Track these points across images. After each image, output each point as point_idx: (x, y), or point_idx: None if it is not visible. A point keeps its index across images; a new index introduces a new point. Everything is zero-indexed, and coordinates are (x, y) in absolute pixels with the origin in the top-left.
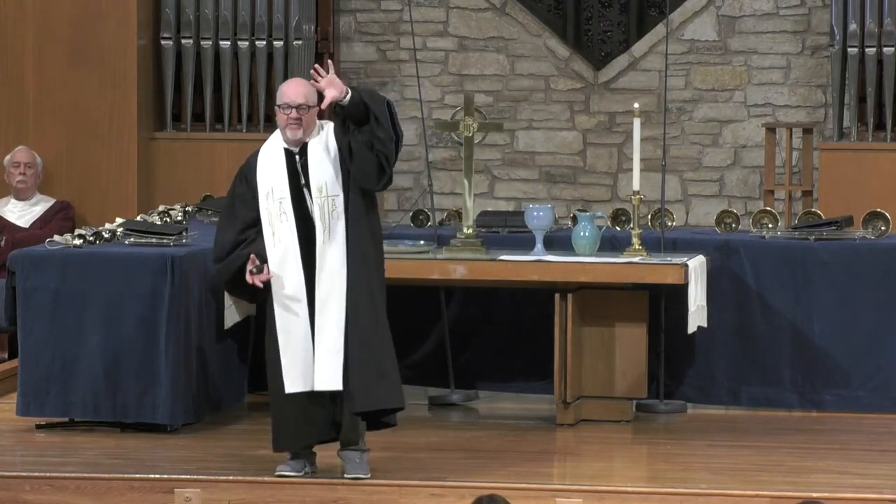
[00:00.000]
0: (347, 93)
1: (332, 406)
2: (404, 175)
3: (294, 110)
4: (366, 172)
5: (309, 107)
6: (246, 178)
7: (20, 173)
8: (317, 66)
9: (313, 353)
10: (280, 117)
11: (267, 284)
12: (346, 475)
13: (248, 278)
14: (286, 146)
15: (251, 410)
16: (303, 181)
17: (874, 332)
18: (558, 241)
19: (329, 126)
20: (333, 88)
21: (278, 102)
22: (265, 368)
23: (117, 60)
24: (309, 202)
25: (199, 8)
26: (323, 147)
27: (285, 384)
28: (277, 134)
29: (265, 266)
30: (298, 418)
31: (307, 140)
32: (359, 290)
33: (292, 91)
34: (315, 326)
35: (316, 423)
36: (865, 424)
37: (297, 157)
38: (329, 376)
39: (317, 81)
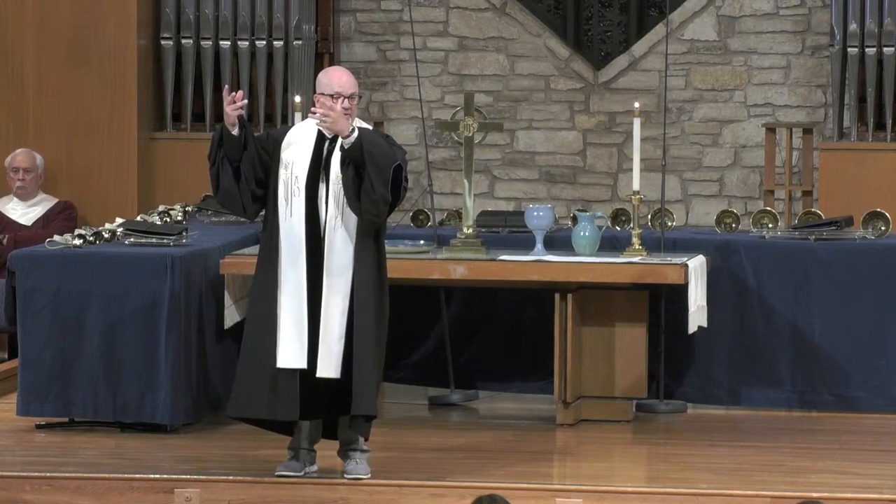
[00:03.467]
0: (352, 132)
1: (296, 385)
2: None
3: (346, 100)
4: (350, 204)
5: (359, 96)
6: (269, 135)
7: (19, 179)
8: (323, 102)
9: (308, 335)
10: (327, 106)
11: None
12: (346, 475)
13: (227, 107)
14: (321, 129)
15: None
16: (323, 164)
17: (874, 332)
18: (558, 241)
19: (359, 122)
20: (339, 124)
21: (328, 92)
22: None
23: (117, 60)
24: (323, 186)
25: (199, 8)
26: None
27: (279, 358)
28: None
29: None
30: (264, 389)
31: None
32: (365, 285)
33: (342, 80)
34: (321, 311)
35: (280, 399)
36: (865, 424)
37: (328, 140)
38: (331, 365)
39: (325, 116)
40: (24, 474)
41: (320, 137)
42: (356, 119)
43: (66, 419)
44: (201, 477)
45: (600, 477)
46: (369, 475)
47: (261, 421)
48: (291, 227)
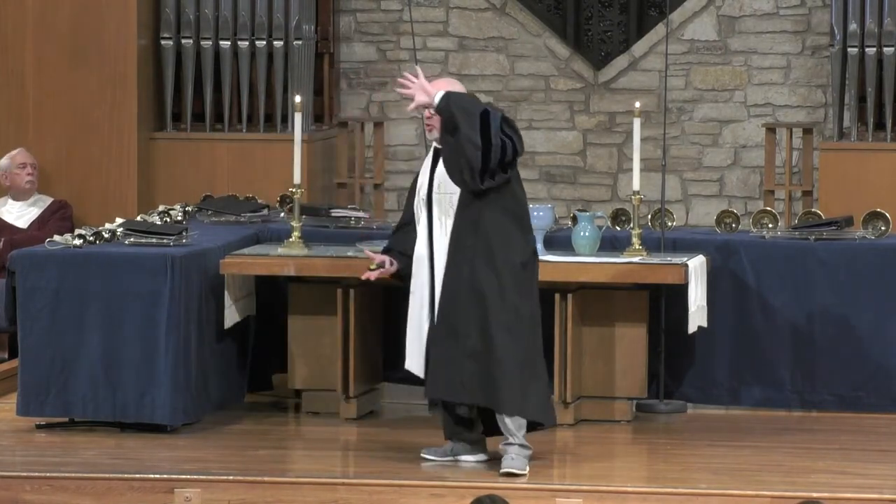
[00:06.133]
0: (435, 97)
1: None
2: (404, 175)
3: (427, 111)
4: (451, 173)
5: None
6: (416, 177)
7: (28, 174)
8: (406, 74)
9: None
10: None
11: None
12: (500, 469)
13: (363, 275)
14: (435, 149)
15: (251, 410)
16: (435, 178)
17: (874, 332)
18: (558, 241)
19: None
20: (422, 94)
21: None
22: (265, 368)
23: (117, 60)
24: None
25: (199, 8)
26: None
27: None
28: None
29: (379, 269)
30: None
31: None
32: (451, 290)
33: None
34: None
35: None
36: (865, 424)
37: (441, 154)
38: (414, 360)
39: (406, 88)
40: (24, 474)
41: (435, 157)
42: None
43: (66, 419)
44: (201, 477)
45: (600, 477)
46: (525, 472)
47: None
48: (420, 243)
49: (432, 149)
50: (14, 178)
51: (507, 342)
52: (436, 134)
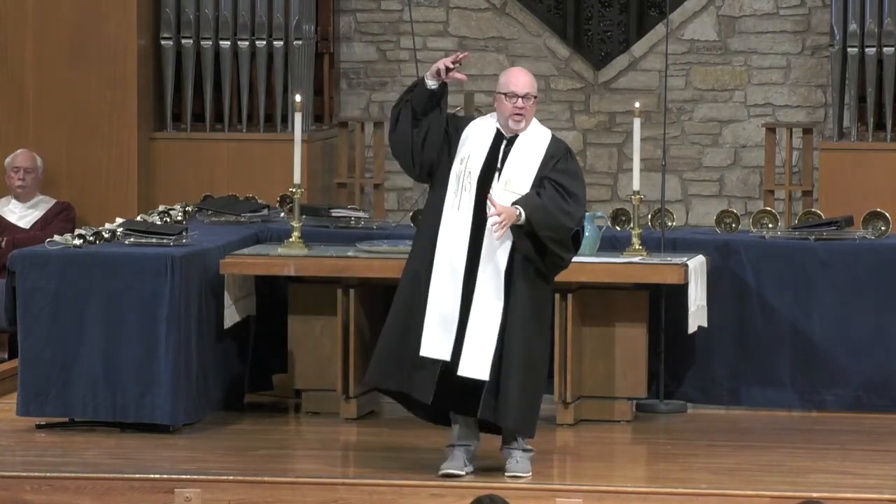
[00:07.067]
0: (519, 216)
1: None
2: (404, 175)
3: (520, 99)
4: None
5: (534, 97)
6: (457, 117)
7: (19, 178)
8: (491, 198)
9: (457, 330)
10: (504, 106)
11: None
12: (505, 473)
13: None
14: (499, 128)
15: (251, 410)
16: (498, 166)
17: (874, 332)
18: None
19: (548, 134)
20: (508, 219)
21: (502, 90)
22: (265, 368)
23: (117, 60)
24: (494, 185)
25: (199, 8)
26: (531, 147)
27: (423, 347)
28: (494, 115)
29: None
30: (403, 365)
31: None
32: (522, 292)
33: (518, 80)
34: (471, 308)
35: (416, 378)
36: (865, 424)
37: (505, 141)
38: (477, 365)
39: (496, 210)
40: (24, 474)
41: (498, 137)
42: (536, 122)
43: (66, 419)
44: (201, 477)
45: (600, 477)
46: (529, 474)
47: (408, 404)
48: (455, 221)
49: (494, 129)
50: (9, 179)
51: (544, 375)
52: (524, 125)
